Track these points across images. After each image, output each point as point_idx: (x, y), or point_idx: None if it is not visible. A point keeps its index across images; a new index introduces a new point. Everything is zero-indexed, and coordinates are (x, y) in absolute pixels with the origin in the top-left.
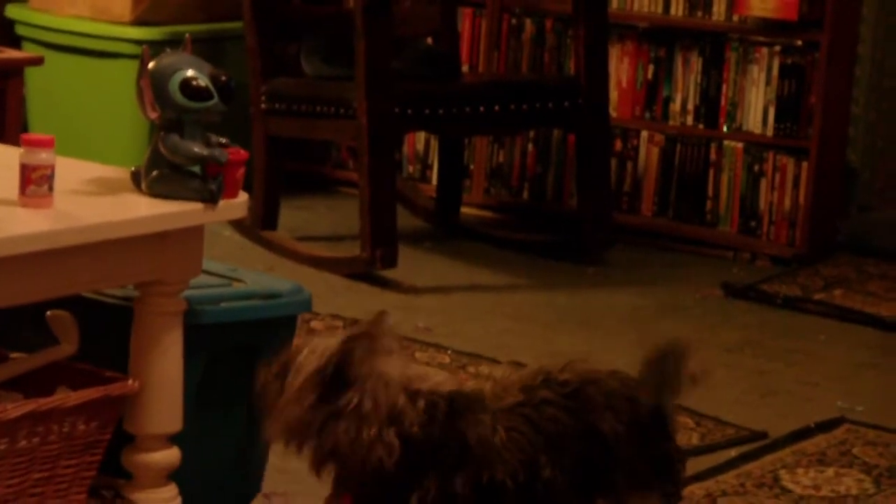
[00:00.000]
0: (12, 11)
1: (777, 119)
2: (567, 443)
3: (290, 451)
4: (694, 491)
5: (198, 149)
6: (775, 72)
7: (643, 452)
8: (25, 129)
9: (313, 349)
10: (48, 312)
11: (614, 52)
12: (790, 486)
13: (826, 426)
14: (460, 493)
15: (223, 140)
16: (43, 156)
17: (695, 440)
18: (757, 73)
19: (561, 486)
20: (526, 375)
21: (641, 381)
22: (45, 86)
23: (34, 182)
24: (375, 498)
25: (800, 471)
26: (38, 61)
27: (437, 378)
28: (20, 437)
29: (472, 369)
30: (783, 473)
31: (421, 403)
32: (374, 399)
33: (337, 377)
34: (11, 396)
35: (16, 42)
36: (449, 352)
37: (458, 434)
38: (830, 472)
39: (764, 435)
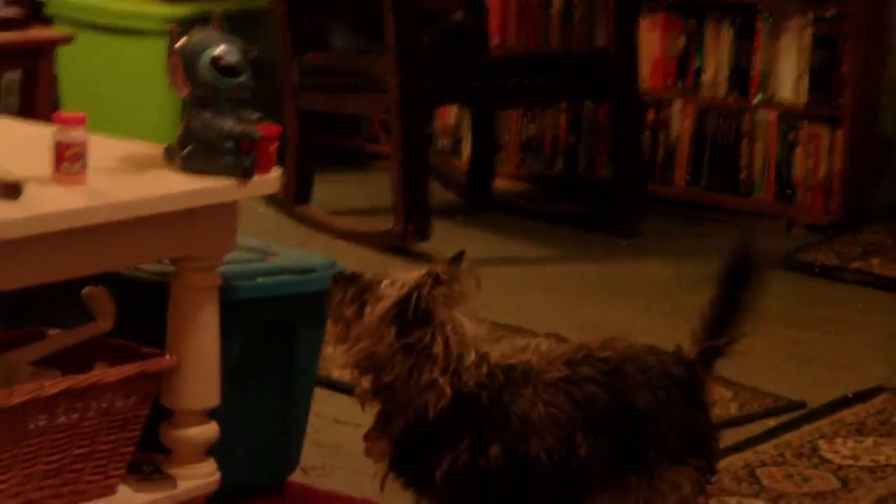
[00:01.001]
0: None
1: (810, 88)
2: (604, 421)
3: (351, 375)
4: (733, 461)
5: (229, 125)
6: (807, 41)
7: (677, 427)
8: (57, 108)
9: (394, 281)
10: (84, 289)
11: (644, 25)
12: (829, 455)
13: (864, 395)
14: (493, 463)
15: (255, 115)
16: (75, 133)
17: (733, 410)
18: (788, 43)
19: (595, 463)
20: (569, 350)
21: (683, 355)
22: (76, 64)
23: (67, 159)
24: (411, 446)
25: (839, 440)
26: (67, 40)
27: (502, 346)
28: (59, 413)
29: (505, 340)
30: (822, 443)
31: (484, 367)
32: (446, 345)
33: (415, 314)
34: (49, 373)
35: (47, 21)
36: (485, 324)
37: (502, 404)
38: (869, 441)
39: (802, 404)
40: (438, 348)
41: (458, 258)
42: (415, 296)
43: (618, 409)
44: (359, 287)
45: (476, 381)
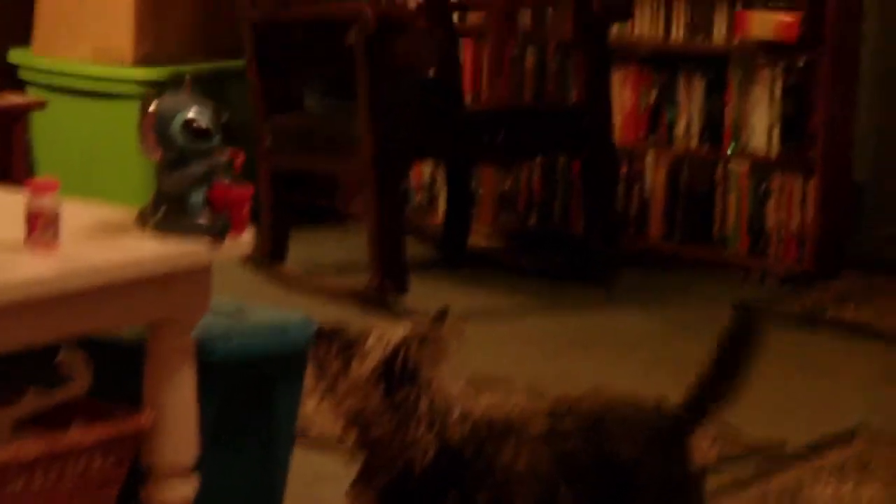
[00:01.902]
0: (15, 56)
1: (782, 139)
2: (587, 474)
3: (339, 431)
4: None
5: (197, 167)
6: (778, 92)
7: (659, 480)
8: (32, 172)
9: (380, 337)
10: (60, 351)
11: (617, 78)
12: (810, 499)
13: (843, 439)
14: None
15: (227, 178)
16: (48, 200)
17: (713, 455)
18: (760, 94)
19: None
20: (552, 404)
21: (666, 408)
22: (50, 128)
23: (40, 227)
24: (395, 501)
25: (819, 485)
26: (40, 105)
27: (483, 401)
28: (36, 475)
29: (487, 394)
30: (804, 487)
31: (468, 423)
32: (431, 402)
33: (402, 372)
34: (26, 436)
35: (20, 86)
36: (462, 379)
37: (485, 458)
38: (850, 485)
39: (780, 448)
40: (424, 406)
41: (442, 314)
42: (402, 354)
43: (600, 463)
44: (344, 341)
45: (460, 437)
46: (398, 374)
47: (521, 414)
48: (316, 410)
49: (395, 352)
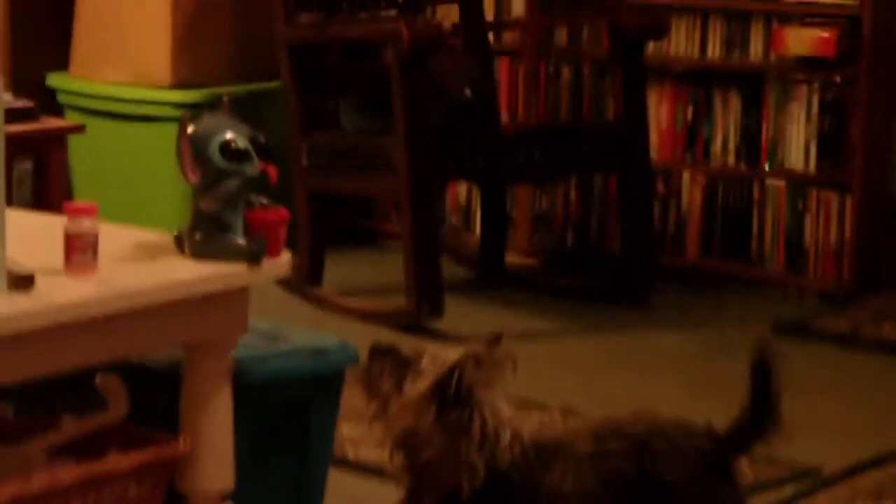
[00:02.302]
0: (53, 80)
1: (819, 155)
2: (633, 497)
3: (387, 452)
4: None
5: (234, 182)
6: (815, 108)
7: (708, 502)
8: (70, 196)
9: (434, 358)
10: (97, 376)
11: (653, 95)
12: None
13: (881, 461)
14: None
15: (264, 200)
16: (86, 224)
17: (749, 478)
18: (797, 111)
19: None
20: (598, 424)
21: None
22: (88, 152)
23: (78, 250)
24: None
25: None
26: (78, 129)
27: (532, 423)
28: (73, 502)
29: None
30: None
31: (517, 447)
32: (483, 426)
33: (456, 394)
34: (63, 462)
35: (58, 110)
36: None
37: (533, 482)
38: None
39: (818, 471)
40: (476, 428)
41: (496, 339)
42: (456, 375)
43: (646, 485)
44: (397, 360)
45: (509, 461)
46: (452, 395)
47: (568, 435)
48: (352, 432)
49: (451, 373)
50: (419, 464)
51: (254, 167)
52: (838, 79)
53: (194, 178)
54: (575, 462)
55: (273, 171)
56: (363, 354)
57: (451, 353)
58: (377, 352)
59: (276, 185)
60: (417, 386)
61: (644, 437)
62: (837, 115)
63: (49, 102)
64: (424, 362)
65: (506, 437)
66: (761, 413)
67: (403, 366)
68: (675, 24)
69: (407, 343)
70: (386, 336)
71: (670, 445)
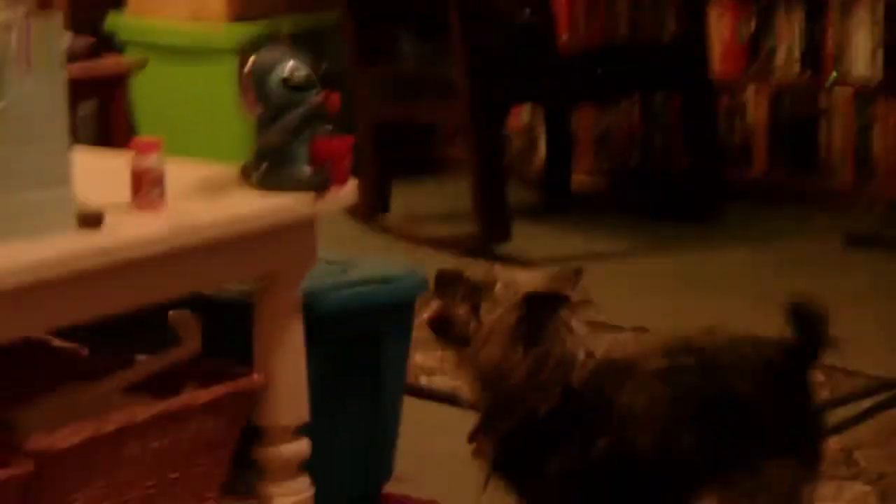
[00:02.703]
0: (112, 21)
1: (885, 63)
2: (706, 411)
3: (464, 381)
4: (830, 446)
5: (294, 115)
6: (880, 15)
7: (780, 418)
8: (134, 134)
9: (508, 284)
10: (170, 313)
11: (714, 9)
12: None
13: None
14: (601, 458)
15: (328, 127)
16: (152, 159)
17: (826, 394)
18: (861, 18)
19: (697, 454)
20: (668, 340)
21: (784, 343)
22: (149, 89)
23: (146, 185)
24: (519, 445)
25: None
26: (140, 66)
27: (606, 343)
28: (151, 438)
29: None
30: None
31: (591, 365)
32: (560, 351)
33: (536, 322)
34: (140, 399)
35: (118, 50)
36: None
37: (606, 399)
38: None
39: (894, 383)
40: (552, 354)
41: (577, 274)
42: (534, 306)
43: (719, 399)
44: (468, 287)
45: (583, 380)
46: (532, 324)
47: (638, 352)
48: (426, 361)
49: (533, 302)
50: (499, 390)
51: (317, 96)
52: None
53: (256, 110)
54: (645, 380)
55: (335, 99)
56: (432, 283)
57: (523, 277)
58: (445, 279)
59: (339, 115)
60: (499, 315)
61: (713, 351)
62: None
63: (109, 42)
64: (498, 289)
65: (580, 357)
66: (821, 320)
67: (475, 292)
68: None
69: (491, 266)
70: (453, 263)
71: (740, 358)
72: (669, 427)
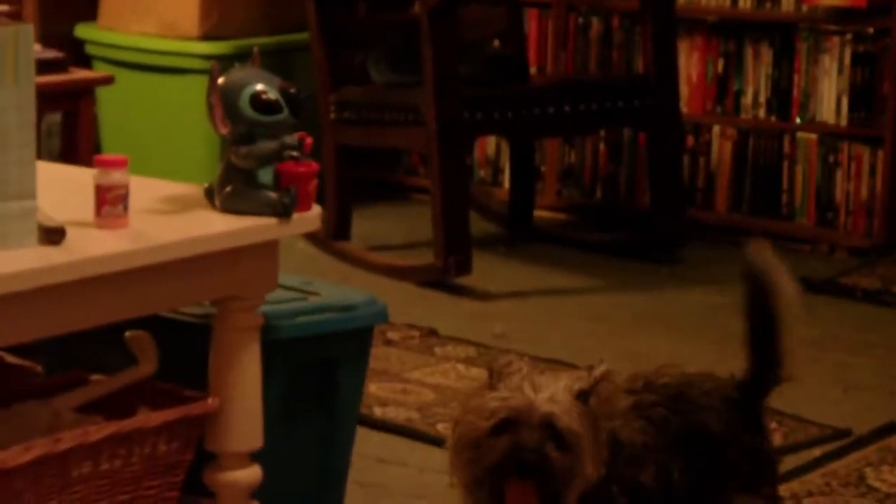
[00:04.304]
0: (81, 31)
1: (851, 108)
2: (682, 444)
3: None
4: (781, 492)
5: (268, 145)
6: (847, 60)
7: (745, 453)
8: (98, 149)
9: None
10: (126, 333)
11: (683, 47)
12: (876, 484)
13: None
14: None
15: (294, 153)
16: (116, 176)
17: (778, 440)
18: (829, 63)
19: (685, 488)
20: (626, 381)
21: (740, 381)
22: (116, 104)
23: (109, 202)
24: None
25: (885, 468)
26: (108, 80)
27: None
28: (103, 459)
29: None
30: (868, 471)
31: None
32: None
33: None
34: (92, 419)
35: (86, 62)
36: (526, 358)
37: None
38: None
39: (848, 432)
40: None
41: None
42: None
43: (690, 433)
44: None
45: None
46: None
47: (603, 394)
48: (379, 391)
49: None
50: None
51: (285, 119)
52: (871, 30)
53: (225, 129)
54: (620, 416)
55: (309, 140)
56: (391, 311)
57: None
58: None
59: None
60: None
61: (676, 388)
62: (870, 67)
63: (77, 54)
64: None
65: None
66: (773, 359)
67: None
68: None
69: (434, 297)
70: (414, 292)
71: (704, 395)
72: (664, 461)
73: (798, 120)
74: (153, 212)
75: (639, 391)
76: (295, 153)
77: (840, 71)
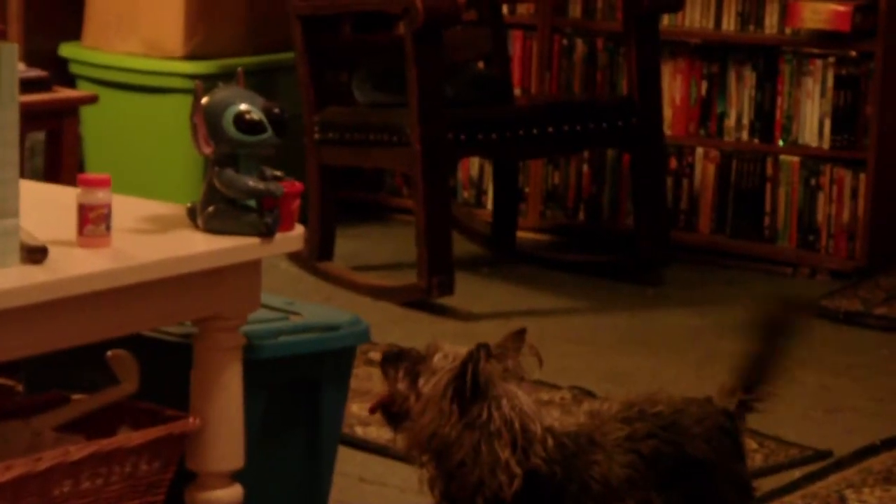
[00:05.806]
0: (66, 50)
1: (833, 131)
2: (672, 476)
3: (415, 461)
4: None
5: (253, 183)
6: (830, 83)
7: (732, 480)
8: (82, 168)
9: (446, 354)
10: (108, 352)
11: (667, 70)
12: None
13: (892, 443)
14: None
15: (278, 173)
16: (100, 195)
17: (758, 461)
18: (811, 86)
19: None
20: (621, 408)
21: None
22: (100, 123)
23: (92, 222)
24: None
25: (866, 490)
26: (92, 99)
27: (552, 413)
28: (83, 478)
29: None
30: (849, 493)
31: (550, 440)
32: (506, 420)
33: (473, 388)
34: (73, 438)
35: (70, 81)
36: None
37: (578, 474)
38: None
39: (828, 454)
40: (497, 423)
41: (520, 334)
42: (470, 369)
43: (682, 463)
44: (410, 361)
45: (545, 457)
46: (469, 389)
47: (594, 422)
48: (361, 411)
49: (464, 367)
50: (451, 468)
51: (268, 139)
52: (854, 54)
53: (208, 149)
54: (614, 448)
55: (297, 189)
56: (373, 331)
57: (462, 349)
58: (390, 358)
59: (290, 159)
60: (432, 382)
61: (669, 416)
62: (852, 90)
63: (61, 73)
64: (436, 359)
65: (537, 432)
66: (754, 377)
67: (416, 363)
68: None
69: (418, 319)
70: (397, 312)
71: (696, 423)
72: (644, 496)
73: (781, 143)
74: (136, 231)
75: (633, 420)
76: (274, 174)
77: (823, 94)
